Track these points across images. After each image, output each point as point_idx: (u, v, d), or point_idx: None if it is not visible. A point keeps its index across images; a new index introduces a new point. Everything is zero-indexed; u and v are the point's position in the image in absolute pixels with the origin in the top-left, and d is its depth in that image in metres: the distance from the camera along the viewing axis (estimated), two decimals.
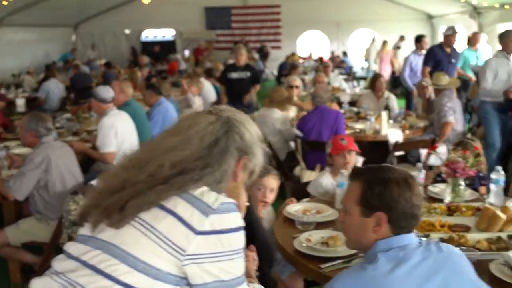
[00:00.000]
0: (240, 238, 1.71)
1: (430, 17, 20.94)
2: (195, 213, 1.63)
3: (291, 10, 21.40)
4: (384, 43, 16.85)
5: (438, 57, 8.86)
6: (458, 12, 17.30)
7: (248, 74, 9.28)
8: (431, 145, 4.51)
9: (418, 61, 10.16)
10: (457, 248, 2.13)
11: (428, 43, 10.66)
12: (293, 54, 19.16)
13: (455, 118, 6.71)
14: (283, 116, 7.01)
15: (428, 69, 8.79)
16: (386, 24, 20.36)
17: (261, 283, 2.67)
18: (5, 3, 14.46)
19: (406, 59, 10.64)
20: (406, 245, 2.00)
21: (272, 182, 3.67)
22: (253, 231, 2.86)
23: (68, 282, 1.65)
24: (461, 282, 1.98)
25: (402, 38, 17.49)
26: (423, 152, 6.42)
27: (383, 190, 2.01)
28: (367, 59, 19.25)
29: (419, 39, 10.54)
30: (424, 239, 2.08)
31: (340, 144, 4.22)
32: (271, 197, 3.67)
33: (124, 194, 1.67)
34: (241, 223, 1.72)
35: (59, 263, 1.72)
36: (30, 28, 18.74)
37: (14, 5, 15.54)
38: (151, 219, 1.63)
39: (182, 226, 1.62)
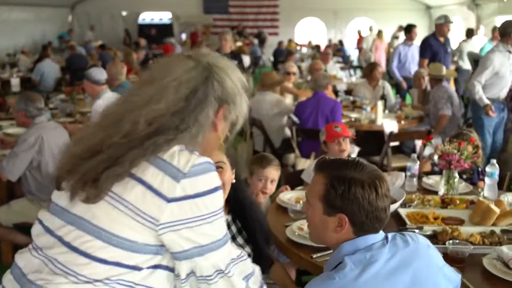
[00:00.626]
0: (217, 199, 1.60)
1: (428, 7, 20.91)
2: (165, 180, 1.52)
3: None
4: (379, 32, 16.73)
5: (434, 48, 8.65)
6: (457, 3, 17.30)
7: (234, 63, 8.70)
8: (426, 136, 4.48)
9: (407, 52, 10.01)
10: (423, 237, 2.08)
11: (417, 33, 10.38)
12: (290, 40, 19.10)
13: (452, 111, 6.70)
14: (277, 98, 7.03)
15: (426, 61, 8.56)
16: (384, 14, 20.33)
17: (256, 261, 2.65)
18: None
19: (395, 50, 10.54)
20: (372, 245, 1.93)
21: (273, 173, 3.69)
22: (249, 211, 2.84)
23: (47, 259, 1.60)
24: (432, 273, 1.98)
25: (400, 28, 17.33)
26: (418, 143, 6.41)
27: (346, 191, 1.91)
28: (361, 48, 19.24)
29: (408, 29, 10.34)
30: (390, 234, 2.01)
31: (335, 131, 4.20)
32: (271, 187, 3.71)
33: (100, 159, 1.55)
34: (217, 182, 1.60)
35: (38, 237, 1.68)
36: (26, 7, 18.60)
37: None
38: (121, 190, 1.53)
39: (152, 195, 1.51)
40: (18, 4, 17.76)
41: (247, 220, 2.84)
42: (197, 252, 1.57)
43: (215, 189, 1.59)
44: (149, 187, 1.52)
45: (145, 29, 23.12)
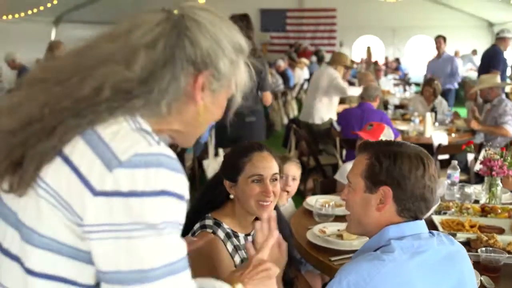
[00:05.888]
0: (161, 208, 1.07)
1: (490, 24, 20.27)
2: (96, 164, 1.06)
3: (347, 14, 21.11)
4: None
5: (506, 62, 8.41)
6: None
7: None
8: (468, 143, 4.19)
9: (432, 66, 9.89)
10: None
11: (445, 45, 10.30)
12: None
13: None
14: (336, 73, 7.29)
15: (498, 73, 7.81)
16: (443, 31, 19.79)
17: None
18: None
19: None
20: (419, 234, 1.78)
21: (294, 170, 3.48)
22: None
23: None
24: (474, 280, 1.86)
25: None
26: (470, 157, 6.11)
27: (393, 164, 1.77)
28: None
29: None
30: (435, 231, 1.85)
31: (364, 129, 4.05)
32: (293, 185, 3.49)
33: (32, 130, 1.12)
34: (169, 186, 1.08)
35: None
36: (88, 25, 19.10)
37: (74, 2, 15.95)
38: (44, 170, 1.11)
39: (77, 181, 1.06)
40: (81, 22, 18.29)
41: None
42: (117, 279, 1.06)
43: (162, 193, 1.08)
44: (75, 170, 1.08)
45: None
